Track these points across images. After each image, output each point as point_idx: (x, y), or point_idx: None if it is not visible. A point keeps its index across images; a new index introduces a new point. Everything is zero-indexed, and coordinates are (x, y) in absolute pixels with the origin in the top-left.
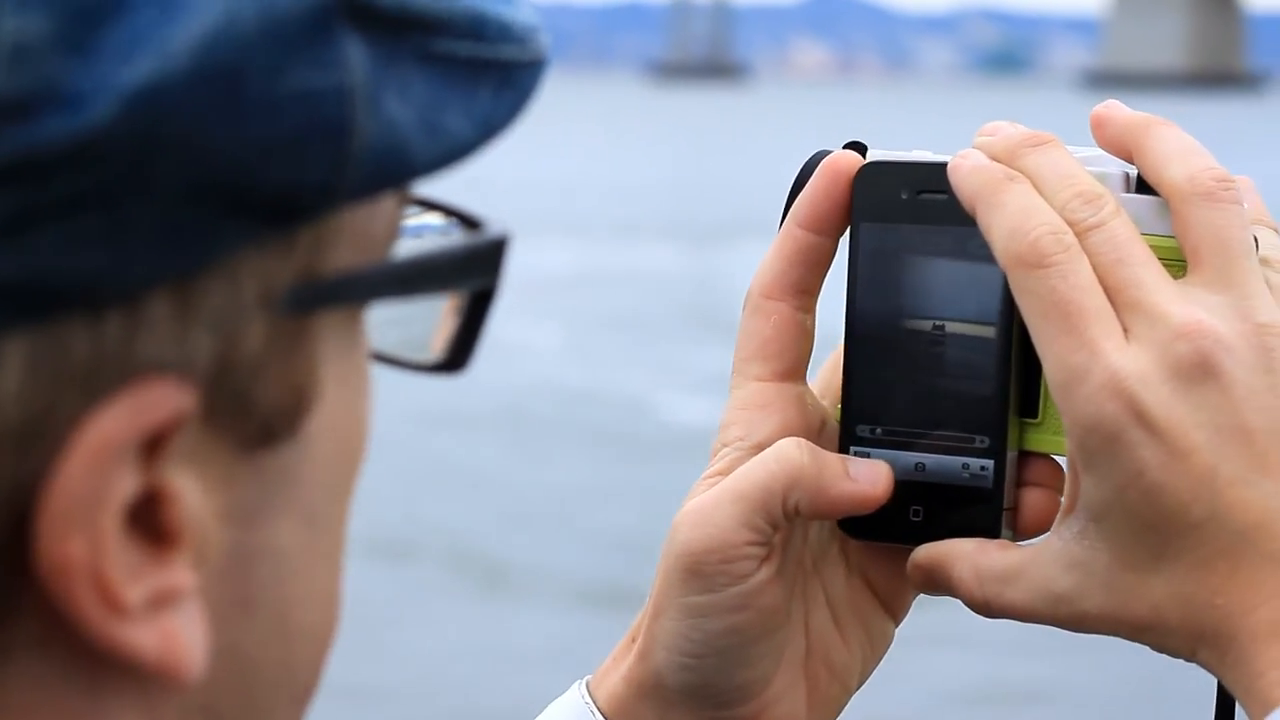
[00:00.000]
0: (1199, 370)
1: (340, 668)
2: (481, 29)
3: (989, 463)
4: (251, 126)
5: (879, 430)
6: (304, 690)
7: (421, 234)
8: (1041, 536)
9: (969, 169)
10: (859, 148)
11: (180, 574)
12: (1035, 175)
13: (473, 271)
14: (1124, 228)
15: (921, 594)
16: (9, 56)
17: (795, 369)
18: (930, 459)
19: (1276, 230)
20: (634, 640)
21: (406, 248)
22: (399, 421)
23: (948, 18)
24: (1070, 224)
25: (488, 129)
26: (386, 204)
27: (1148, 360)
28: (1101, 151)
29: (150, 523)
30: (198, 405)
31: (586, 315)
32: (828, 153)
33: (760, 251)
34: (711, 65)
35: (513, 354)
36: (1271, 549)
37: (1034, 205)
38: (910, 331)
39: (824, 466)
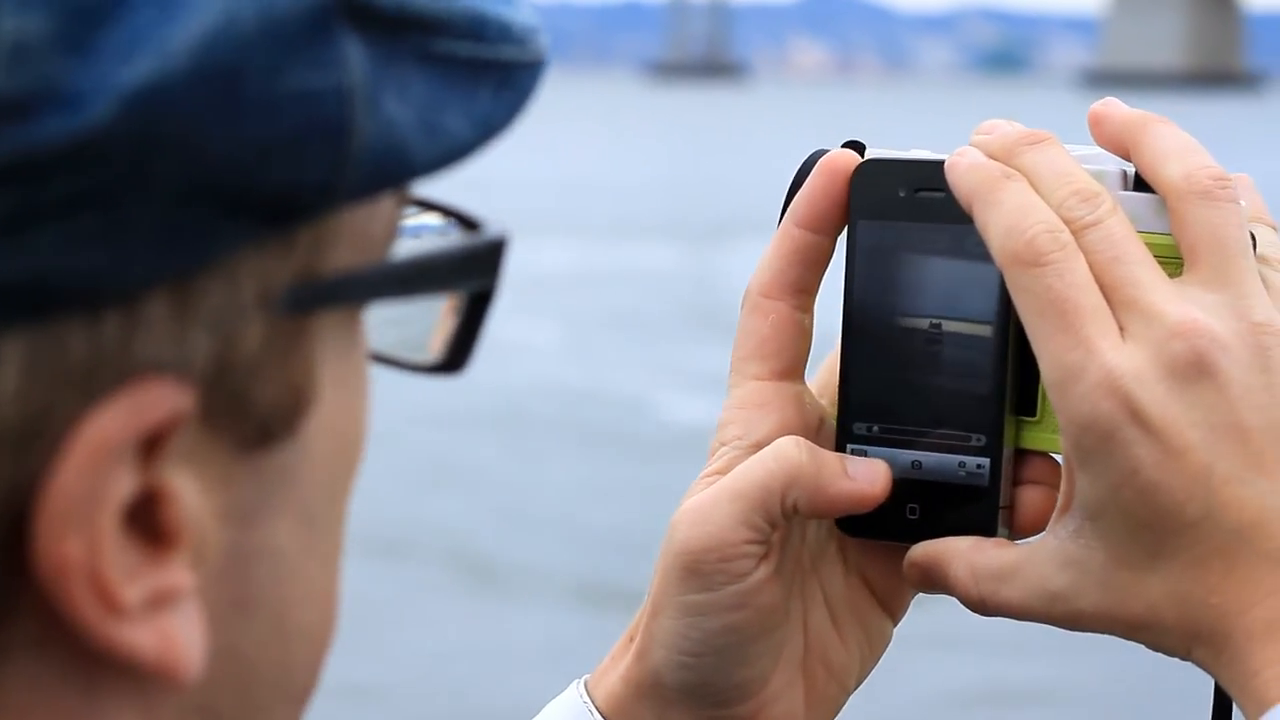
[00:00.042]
0: (1194, 369)
1: (337, 667)
2: (481, 29)
3: (985, 461)
4: (250, 126)
5: (876, 428)
6: (302, 690)
7: (420, 234)
8: (1038, 535)
9: (966, 167)
10: (857, 147)
11: (178, 574)
12: (1032, 173)
13: (471, 272)
14: (1120, 226)
15: (919, 593)
16: (8, 56)
17: (793, 368)
18: (927, 457)
19: (1275, 228)
20: (632, 639)
21: (405, 248)
22: (397, 420)
23: (946, 17)
24: (1067, 222)
25: (487, 129)
26: (385, 204)
27: (1143, 359)
28: (1099, 149)
29: (148, 523)
30: (196, 405)
31: (585, 314)
32: (826, 152)
33: (759, 250)
34: (710, 65)
35: (511, 353)
36: (1267, 547)
37: (1031, 203)
38: (907, 329)
39: (822, 465)
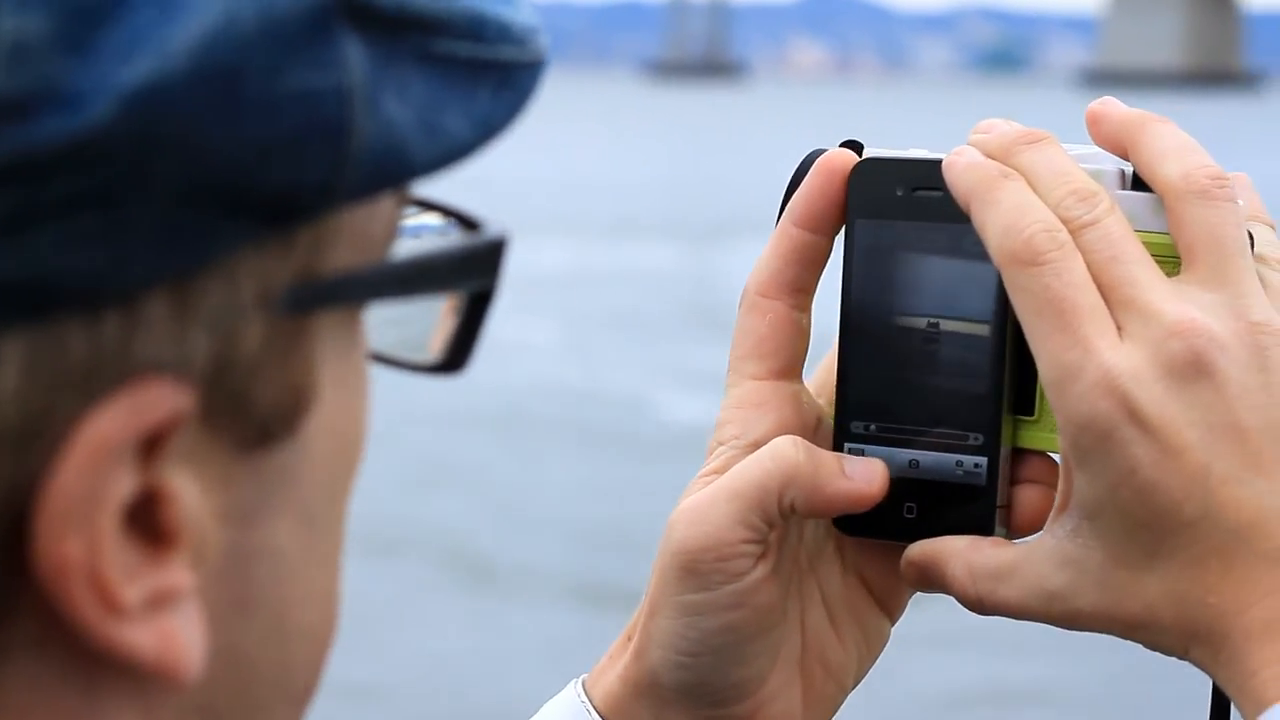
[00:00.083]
0: (1192, 369)
1: (335, 666)
2: (481, 29)
3: (982, 460)
4: (250, 126)
5: (873, 427)
6: (303, 690)
7: (420, 234)
8: (1035, 534)
9: (964, 166)
10: (855, 146)
11: (178, 574)
12: (1030, 172)
13: (471, 272)
14: (1118, 225)
15: (917, 592)
16: (8, 56)
17: (791, 367)
18: (924, 456)
19: (1273, 227)
20: (630, 639)
21: (405, 248)
22: (395, 419)
23: (945, 16)
24: (1064, 221)
25: (487, 129)
26: (385, 204)
27: (1141, 358)
28: (1097, 149)
29: (148, 523)
30: (196, 405)
31: (584, 314)
32: (823, 151)
33: (758, 250)
34: (709, 64)
35: (510, 352)
36: (1265, 547)
37: (1028, 203)
38: (904, 328)
39: (820, 465)
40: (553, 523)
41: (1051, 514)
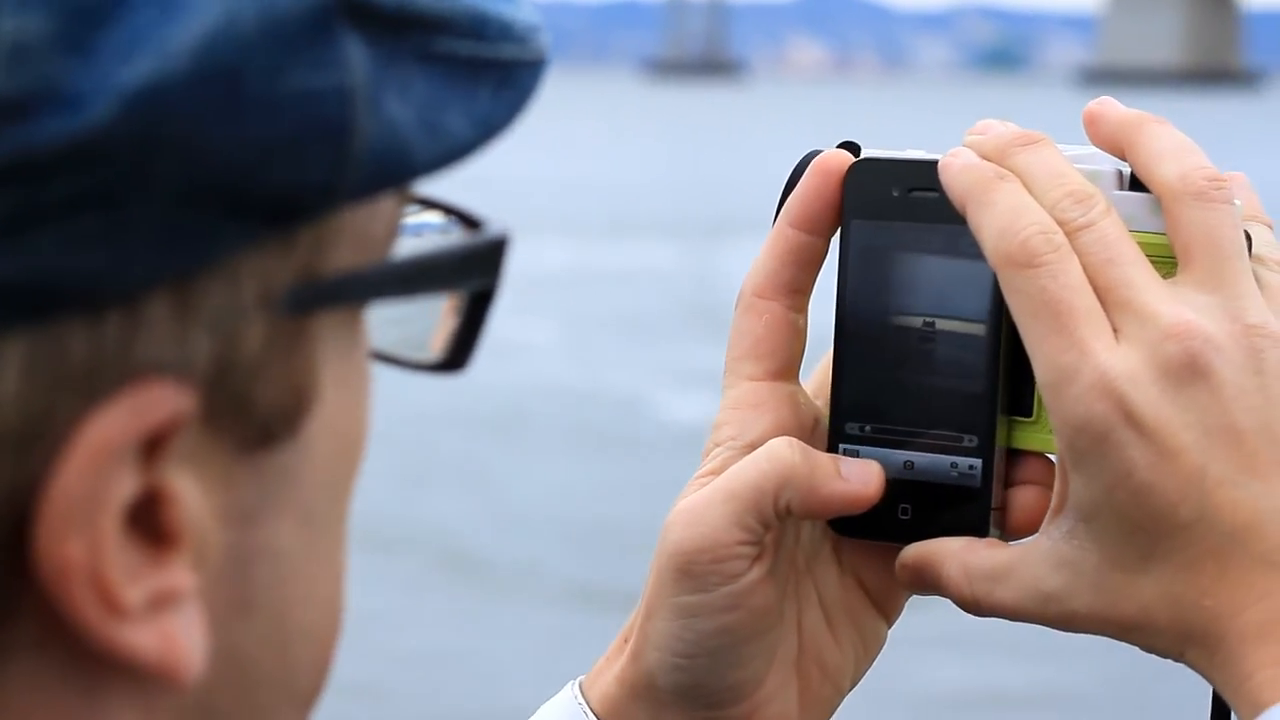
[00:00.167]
0: (1188, 371)
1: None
2: (482, 28)
3: (977, 462)
4: (251, 127)
5: (868, 428)
6: (306, 691)
7: (421, 233)
8: (1030, 536)
9: (959, 167)
10: (852, 148)
11: (179, 575)
12: (1026, 174)
13: (472, 271)
14: (1114, 227)
15: (913, 594)
16: (8, 56)
17: (788, 368)
18: (919, 457)
19: (1271, 226)
20: (626, 640)
21: (406, 247)
22: (394, 419)
23: (944, 15)
24: (1060, 223)
25: (488, 129)
26: (386, 204)
27: (1137, 360)
28: (1095, 149)
29: (150, 524)
30: (197, 406)
31: (583, 313)
32: (820, 152)
33: (757, 248)
34: (708, 63)
35: (509, 351)
36: (1260, 550)
37: (1024, 204)
38: (900, 329)
39: (816, 466)
40: (551, 523)
41: (1047, 515)
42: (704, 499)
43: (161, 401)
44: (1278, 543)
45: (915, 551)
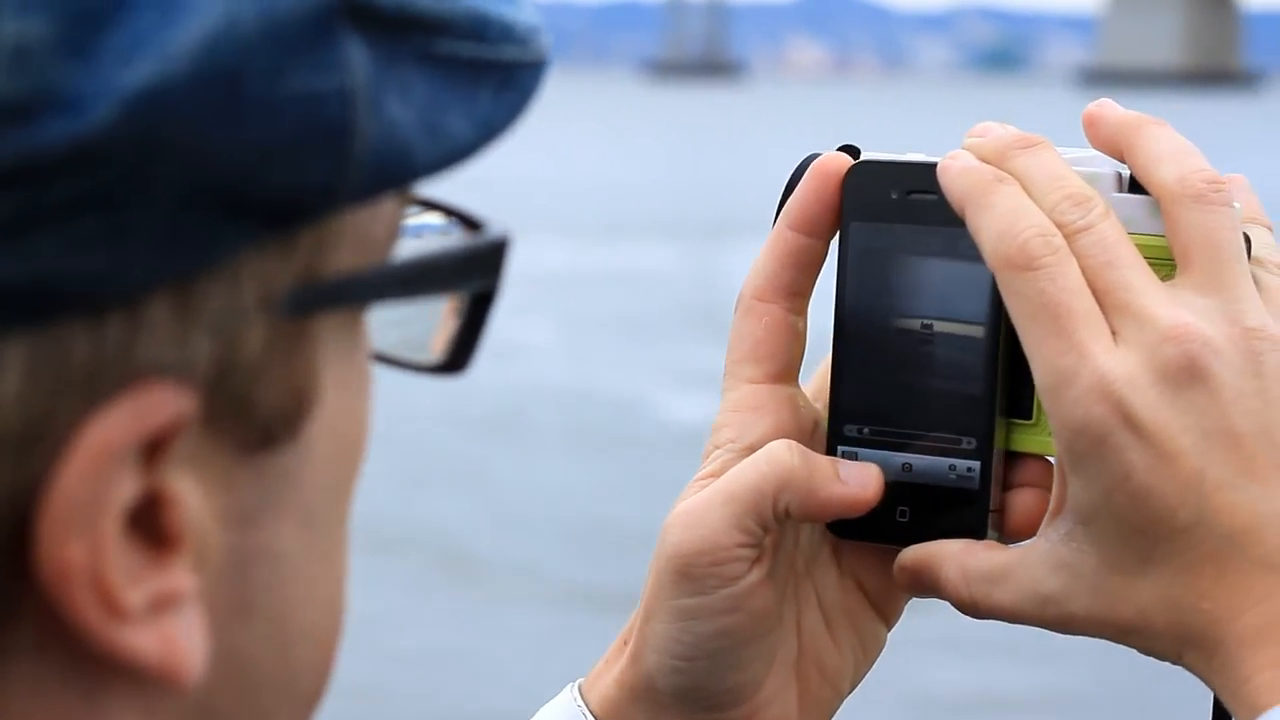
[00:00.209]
0: (1187, 374)
1: None
2: (483, 30)
3: (975, 464)
4: (252, 129)
5: (866, 430)
6: (307, 693)
7: (421, 234)
8: (1030, 538)
9: (958, 170)
10: (852, 151)
11: (180, 577)
12: (1024, 177)
13: (473, 273)
14: (1113, 230)
15: (912, 596)
16: (10, 59)
17: (787, 371)
18: (917, 459)
19: (1270, 228)
20: (626, 643)
21: (407, 248)
22: (393, 418)
23: (944, 16)
24: (1059, 226)
25: (489, 130)
26: (387, 205)
27: (1136, 363)
28: (1095, 151)
29: (150, 526)
30: (198, 408)
31: (583, 313)
32: (819, 155)
33: (757, 249)
34: (707, 64)
35: (508, 352)
36: (1259, 553)
37: (1023, 207)
38: (899, 331)
39: (815, 469)
40: (550, 523)
41: (1046, 518)
42: (703, 501)
43: (162, 404)
44: (1276, 546)
45: (913, 554)
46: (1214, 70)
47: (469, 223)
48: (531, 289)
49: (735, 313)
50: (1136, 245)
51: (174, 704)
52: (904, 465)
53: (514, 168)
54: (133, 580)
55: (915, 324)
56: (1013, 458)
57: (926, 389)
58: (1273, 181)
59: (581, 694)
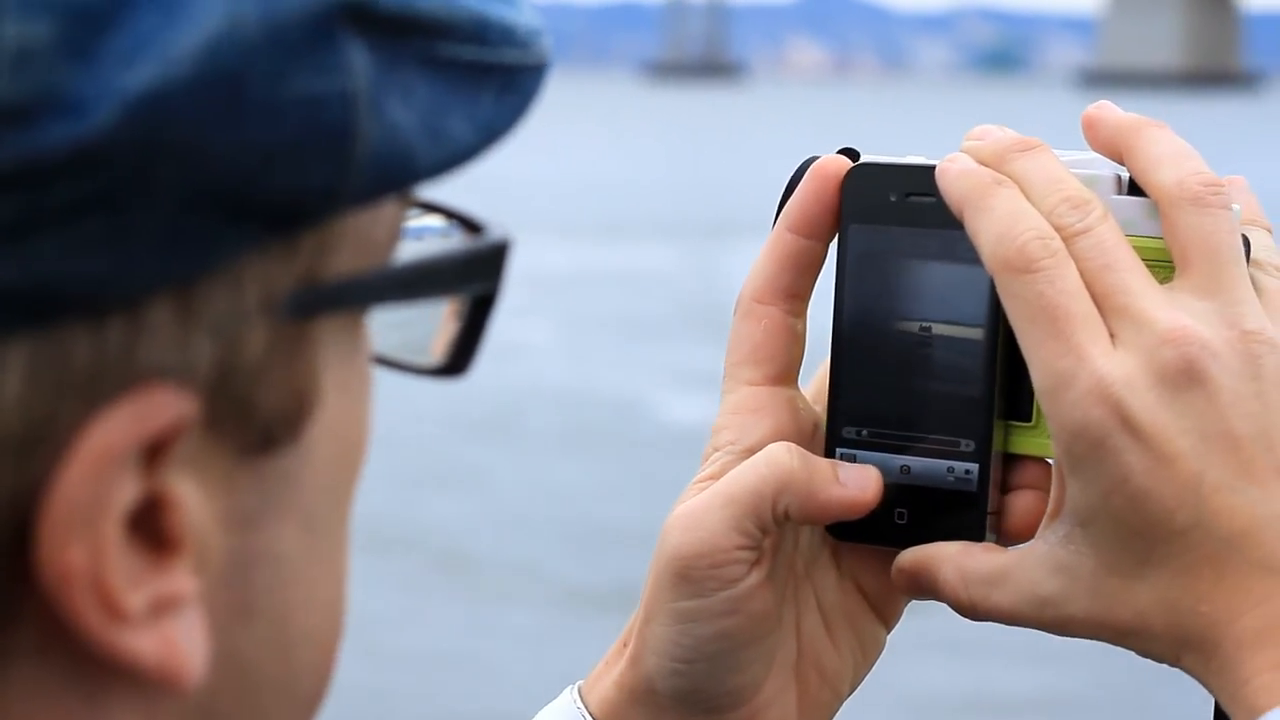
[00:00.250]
0: (1185, 376)
1: None
2: (484, 33)
3: (973, 466)
4: (254, 132)
5: (865, 432)
6: (308, 695)
7: (422, 236)
8: (1026, 540)
9: (957, 173)
10: (851, 154)
11: (181, 580)
12: (1023, 180)
13: (474, 276)
14: (1111, 233)
15: (911, 599)
16: (12, 62)
17: (787, 373)
18: (915, 462)
19: (1270, 230)
20: (625, 645)
21: (408, 251)
22: (392, 420)
23: (944, 17)
24: (1057, 229)
25: (490, 133)
26: (388, 208)
27: (1134, 366)
28: (1094, 154)
29: (151, 529)
30: (199, 411)
31: (582, 314)
32: (819, 158)
33: (757, 250)
34: (708, 64)
35: (507, 353)
36: (1257, 556)
37: (1021, 210)
38: (898, 333)
39: (814, 471)
40: (549, 524)
41: (1044, 520)
42: (702, 504)
43: (163, 407)
44: (1274, 548)
45: (912, 556)
46: (1214, 71)
47: (470, 225)
48: (531, 289)
49: (734, 315)
50: (1135, 248)
51: (175, 706)
52: (902, 467)
53: (514, 168)
54: (133, 583)
55: (914, 326)
56: (1012, 460)
57: (925, 391)
58: (1272, 183)
59: (581, 696)
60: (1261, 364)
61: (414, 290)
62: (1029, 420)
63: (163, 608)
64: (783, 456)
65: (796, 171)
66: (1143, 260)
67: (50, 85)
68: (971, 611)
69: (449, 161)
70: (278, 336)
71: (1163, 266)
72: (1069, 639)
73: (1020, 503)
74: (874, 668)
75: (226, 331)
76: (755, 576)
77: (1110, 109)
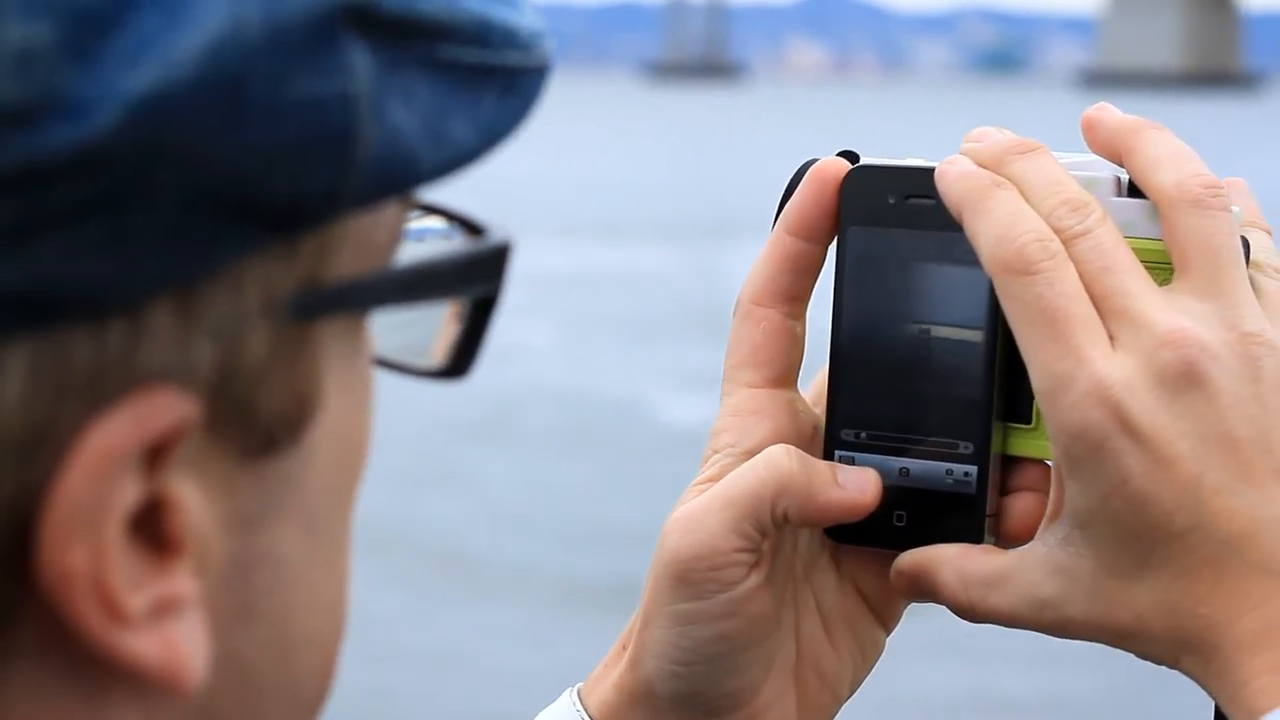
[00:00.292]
0: (1184, 379)
1: None
2: (486, 35)
3: (972, 469)
4: (256, 134)
5: (864, 435)
6: (309, 697)
7: (424, 237)
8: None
9: (956, 175)
10: (851, 156)
11: (182, 582)
12: (1022, 182)
13: (475, 279)
14: (1110, 235)
15: (910, 601)
16: (14, 64)
17: (786, 375)
18: (914, 464)
19: (1270, 232)
20: (624, 647)
21: (409, 253)
22: (390, 420)
23: (944, 17)
24: (1057, 231)
25: (491, 136)
26: (390, 210)
27: (1133, 368)
28: (1094, 156)
29: (152, 531)
30: (200, 413)
31: (582, 315)
32: (817, 160)
33: (757, 250)
34: (708, 65)
35: (507, 353)
36: (1256, 558)
37: (1020, 212)
38: (896, 335)
39: (813, 474)
40: (549, 525)
41: (1043, 522)
42: (702, 506)
43: (165, 409)
44: (1273, 550)
45: (910, 558)
46: (1214, 72)
47: (471, 227)
48: (531, 290)
49: (734, 317)
50: (1135, 249)
51: (175, 709)
52: (901, 470)
53: (514, 169)
54: (134, 585)
55: (913, 328)
56: (1011, 462)
57: (924, 394)
58: (1273, 183)
59: (580, 698)
60: (1261, 366)
61: (415, 292)
62: (1028, 422)
63: (164, 610)
64: (782, 459)
65: (795, 174)
66: (1142, 262)
67: (52, 87)
68: (970, 613)
69: (451, 164)
70: (279, 339)
71: (1162, 268)
72: (1068, 641)
73: (1019, 505)
74: (873, 670)
75: (228, 333)
76: (754, 579)
77: (1109, 111)
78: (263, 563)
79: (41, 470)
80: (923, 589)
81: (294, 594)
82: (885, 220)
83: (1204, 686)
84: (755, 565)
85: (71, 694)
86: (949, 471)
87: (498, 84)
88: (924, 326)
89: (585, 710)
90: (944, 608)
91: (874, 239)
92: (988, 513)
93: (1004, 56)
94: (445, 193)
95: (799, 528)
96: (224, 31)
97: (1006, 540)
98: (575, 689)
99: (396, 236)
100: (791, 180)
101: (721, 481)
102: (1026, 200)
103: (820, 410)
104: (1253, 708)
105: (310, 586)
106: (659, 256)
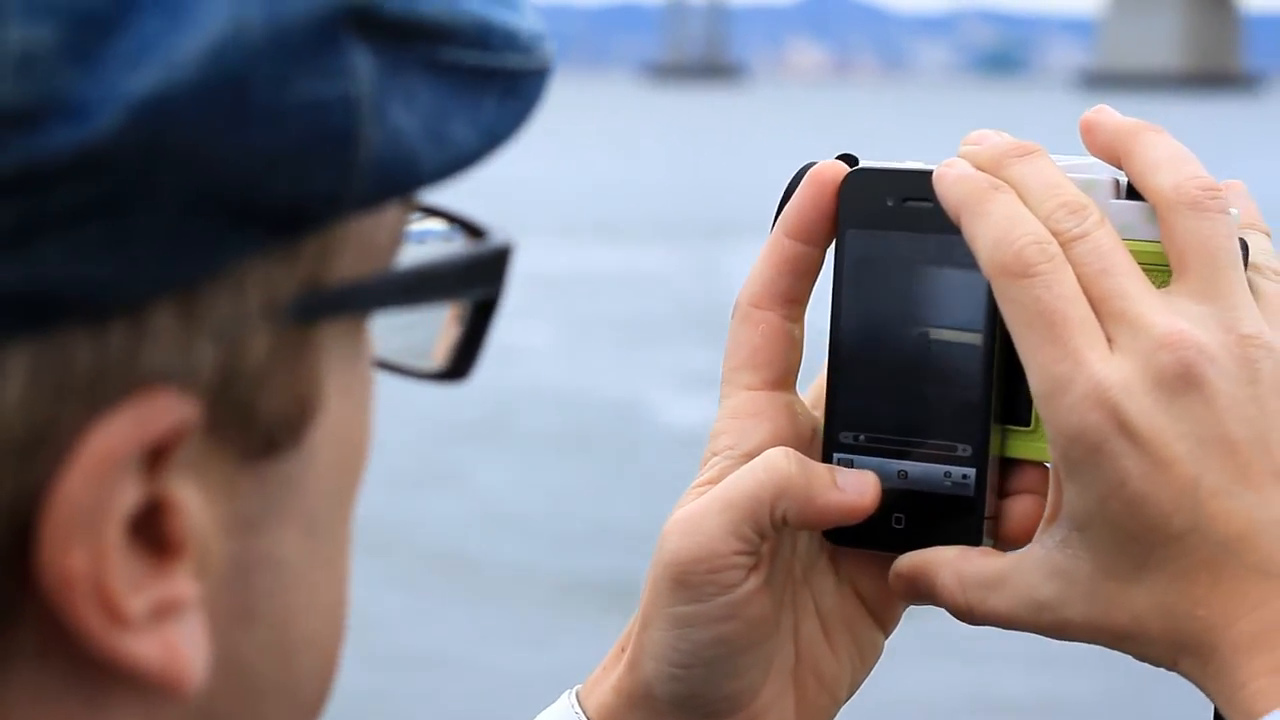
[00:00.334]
0: (1182, 381)
1: None
2: (487, 38)
3: (970, 471)
4: (257, 136)
5: (862, 437)
6: (309, 700)
7: (425, 239)
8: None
9: (954, 178)
10: (850, 159)
11: (182, 584)
12: (1020, 185)
13: (476, 281)
14: (1108, 238)
15: (909, 604)
16: (15, 66)
17: (785, 378)
18: (913, 467)
19: (1269, 234)
20: (623, 649)
21: (410, 255)
22: (389, 421)
23: (944, 18)
24: (1055, 234)
25: (492, 138)
26: (391, 213)
27: (1131, 370)
28: (1092, 158)
29: (153, 533)
30: (201, 416)
31: (581, 316)
32: (816, 163)
33: (756, 252)
34: (708, 66)
35: (506, 354)
36: (1254, 560)
37: (1019, 215)
38: (895, 338)
39: (812, 476)
40: (548, 526)
41: (1041, 524)
42: (700, 508)
43: (165, 411)
44: (1271, 553)
45: (909, 561)
46: (1214, 73)
47: (472, 230)
48: (531, 291)
49: (732, 320)
50: (1133, 252)
51: (175, 711)
52: (900, 472)
53: (514, 170)
54: (135, 587)
55: (911, 331)
56: (1009, 464)
57: (922, 396)
58: (1272, 184)
59: (579, 700)
60: (1258, 368)
61: (416, 295)
62: (1026, 425)
63: (164, 612)
64: (780, 461)
65: (794, 177)
66: (1140, 264)
67: (54, 89)
68: (969, 616)
69: (452, 166)
70: (280, 341)
71: (1160, 270)
72: (1067, 643)
73: (1018, 507)
74: (872, 672)
75: (229, 336)
76: (753, 582)
77: (1108, 113)
78: (263, 564)
79: (42, 472)
80: (921, 591)
81: (294, 596)
82: (884, 223)
83: (1202, 688)
84: (754, 568)
85: (72, 695)
86: (947, 474)
87: (499, 86)
88: (922, 329)
89: (584, 712)
90: (943, 610)
91: (872, 242)
92: (986, 515)
93: (1004, 57)
94: (446, 194)
95: (798, 530)
96: (226, 33)
97: (1005, 542)
98: (574, 691)
99: (397, 238)
100: (790, 183)
101: (720, 484)
102: (1025, 203)
103: (819, 413)
104: (1251, 709)
105: (311, 588)
106: (659, 257)
